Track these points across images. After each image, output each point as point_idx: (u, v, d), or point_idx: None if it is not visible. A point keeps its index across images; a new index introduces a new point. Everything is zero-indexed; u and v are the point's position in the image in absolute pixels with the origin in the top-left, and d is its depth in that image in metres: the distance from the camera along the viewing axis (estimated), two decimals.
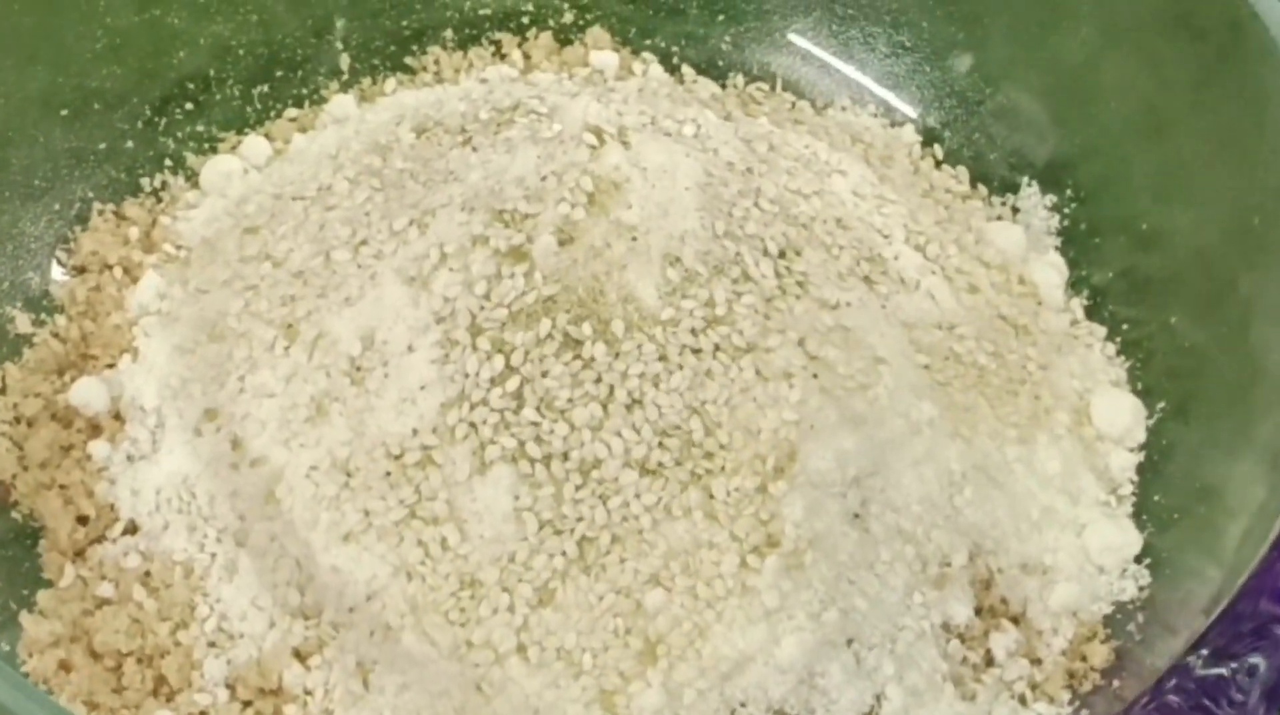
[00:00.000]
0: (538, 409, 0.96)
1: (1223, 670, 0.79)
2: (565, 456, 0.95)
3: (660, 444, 0.96)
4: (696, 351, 0.98)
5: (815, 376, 0.98)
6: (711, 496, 0.95)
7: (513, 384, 0.97)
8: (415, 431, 0.97)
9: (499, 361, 0.97)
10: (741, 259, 1.02)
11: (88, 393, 1.06)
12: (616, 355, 0.98)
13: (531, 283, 1.00)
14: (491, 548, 0.94)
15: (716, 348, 0.98)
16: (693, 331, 0.99)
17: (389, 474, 0.96)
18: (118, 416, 1.06)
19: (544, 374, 0.97)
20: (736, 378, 0.97)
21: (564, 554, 0.94)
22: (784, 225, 1.06)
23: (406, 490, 0.96)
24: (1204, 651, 0.81)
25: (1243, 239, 1.04)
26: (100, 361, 1.09)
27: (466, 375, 0.97)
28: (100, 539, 1.01)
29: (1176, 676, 0.80)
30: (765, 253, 1.03)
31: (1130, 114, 1.15)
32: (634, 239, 1.01)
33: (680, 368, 0.98)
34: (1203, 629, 0.86)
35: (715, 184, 1.06)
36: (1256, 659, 0.83)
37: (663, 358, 0.98)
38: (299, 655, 0.95)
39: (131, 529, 1.01)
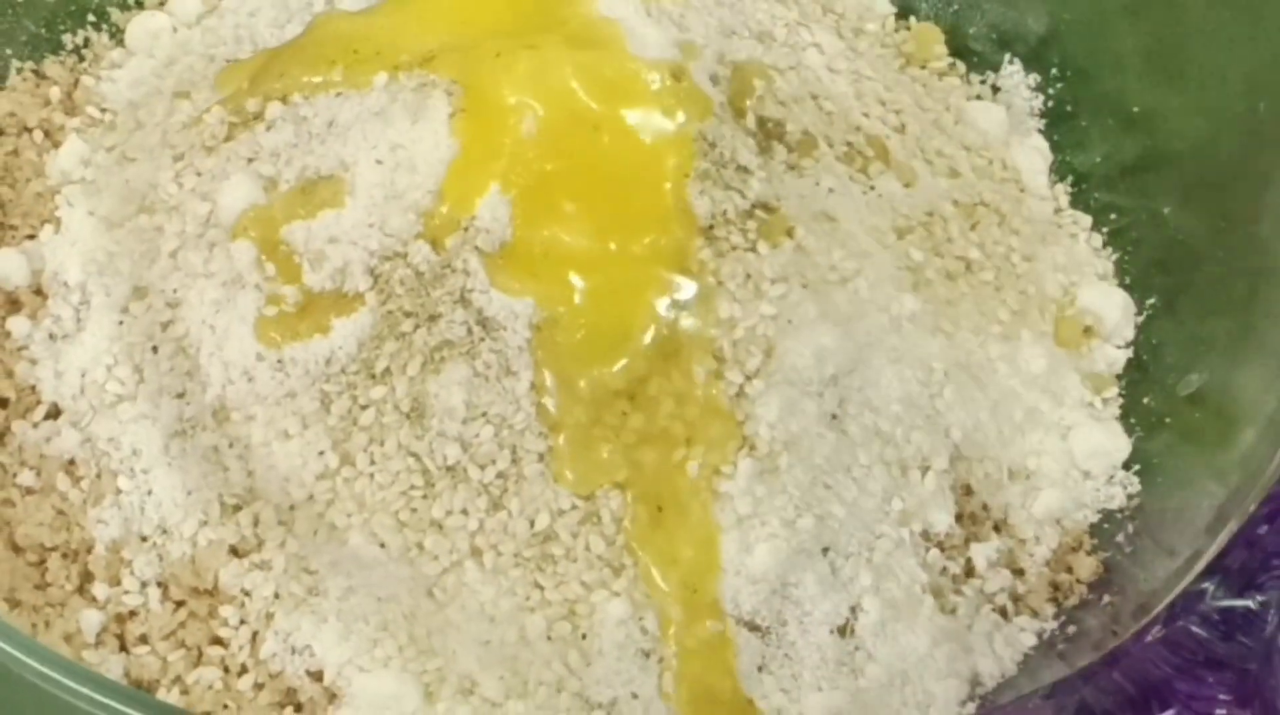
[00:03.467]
0: None
1: (1249, 602, 0.75)
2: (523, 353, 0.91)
3: None
4: None
5: (797, 268, 0.94)
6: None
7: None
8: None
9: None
10: (722, 138, 0.96)
11: (6, 265, 1.00)
12: None
13: None
14: (445, 446, 0.89)
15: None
16: None
17: (342, 369, 0.91)
18: (39, 291, 1.00)
19: None
20: (715, 270, 0.92)
21: (523, 455, 0.89)
22: (769, 103, 1.00)
23: (358, 379, 0.91)
24: (1217, 577, 0.76)
25: (1246, 124, 0.99)
26: (20, 232, 1.03)
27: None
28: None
29: (1190, 603, 0.76)
30: (747, 132, 0.98)
31: None
32: None
33: None
34: (1208, 550, 0.81)
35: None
36: None
37: None
38: (236, 553, 0.90)
39: (54, 413, 0.96)
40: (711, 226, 0.93)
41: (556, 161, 0.93)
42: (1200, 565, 0.80)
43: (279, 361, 0.92)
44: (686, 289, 0.91)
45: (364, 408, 0.90)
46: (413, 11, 1.03)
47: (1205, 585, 0.76)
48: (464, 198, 0.93)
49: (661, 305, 0.91)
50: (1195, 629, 0.74)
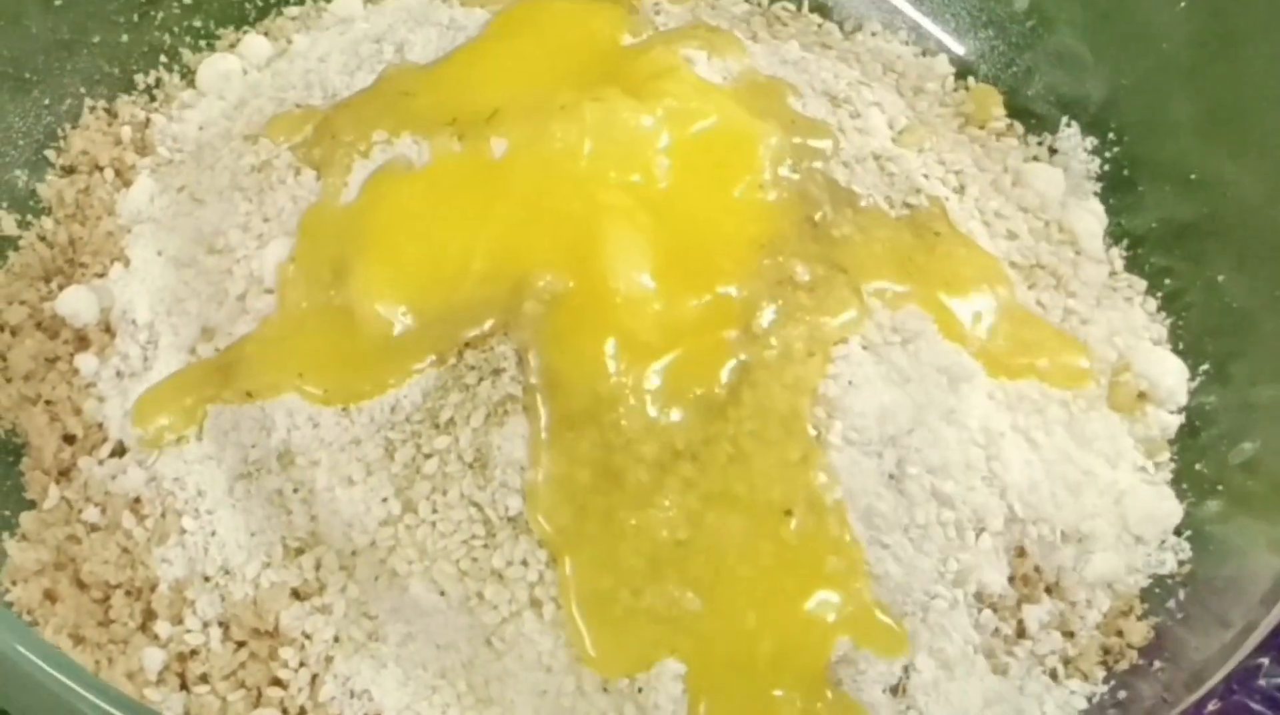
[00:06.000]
0: None
1: None
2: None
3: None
4: None
5: (858, 328, 0.95)
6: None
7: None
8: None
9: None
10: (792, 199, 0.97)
11: (76, 302, 1.02)
12: None
13: None
14: (507, 497, 0.89)
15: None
16: None
17: (407, 418, 0.92)
18: (107, 329, 1.02)
19: None
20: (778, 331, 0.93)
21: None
22: (835, 164, 1.02)
23: (422, 428, 0.91)
24: (1272, 654, 0.77)
25: None
26: (90, 269, 1.04)
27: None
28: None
29: (1246, 678, 0.76)
30: (816, 194, 0.99)
31: (1181, 49, 1.10)
32: None
33: None
34: (1262, 621, 0.82)
35: None
36: None
37: None
38: (297, 596, 0.91)
39: (120, 451, 0.97)
40: (778, 285, 0.93)
41: (620, 215, 0.94)
42: (1255, 637, 0.80)
43: (344, 408, 0.93)
44: (750, 350, 0.91)
45: (428, 456, 0.91)
46: (478, 66, 1.05)
47: (1261, 660, 0.76)
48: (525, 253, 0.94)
49: (725, 365, 0.91)
50: (1253, 705, 0.74)
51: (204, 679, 0.90)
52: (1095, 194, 1.14)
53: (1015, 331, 1.00)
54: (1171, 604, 0.96)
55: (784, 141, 0.98)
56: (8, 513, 0.95)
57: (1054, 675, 0.93)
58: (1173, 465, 1.01)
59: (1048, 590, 0.96)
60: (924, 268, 0.99)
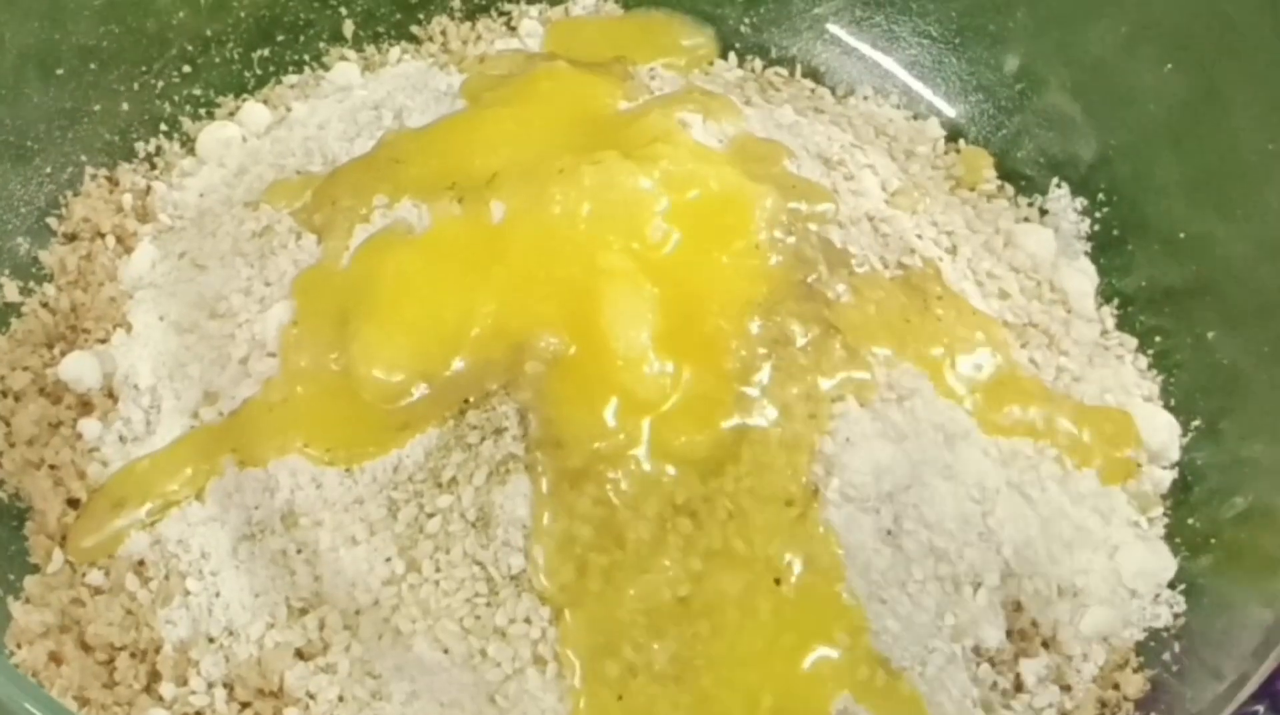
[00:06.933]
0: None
1: None
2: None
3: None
4: None
5: (856, 387, 0.96)
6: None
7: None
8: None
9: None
10: (789, 259, 0.98)
11: (79, 367, 1.02)
12: None
13: None
14: (510, 555, 0.90)
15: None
16: None
17: (410, 478, 0.93)
18: (110, 394, 1.02)
19: None
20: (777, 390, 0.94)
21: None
22: (831, 225, 1.03)
23: (425, 487, 0.92)
24: (1266, 701, 0.78)
25: None
26: (92, 335, 1.05)
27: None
28: None
29: None
30: (812, 254, 0.99)
31: (1168, 113, 1.11)
32: None
33: None
34: (1255, 673, 0.82)
35: None
36: None
37: None
38: (301, 656, 0.92)
39: None
40: (775, 345, 0.94)
41: (618, 277, 0.95)
42: (1248, 689, 0.81)
43: (347, 469, 0.93)
44: (749, 409, 0.92)
45: (430, 516, 0.92)
46: (476, 132, 1.06)
47: (1257, 708, 0.77)
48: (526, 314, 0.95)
49: (724, 424, 0.92)
50: None
51: None
52: (1086, 254, 1.15)
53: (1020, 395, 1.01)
54: (1167, 656, 0.96)
55: (779, 203, 0.99)
56: (12, 576, 0.96)
57: None
58: (1166, 520, 1.02)
59: (1044, 644, 0.97)
60: (919, 327, 1.00)
